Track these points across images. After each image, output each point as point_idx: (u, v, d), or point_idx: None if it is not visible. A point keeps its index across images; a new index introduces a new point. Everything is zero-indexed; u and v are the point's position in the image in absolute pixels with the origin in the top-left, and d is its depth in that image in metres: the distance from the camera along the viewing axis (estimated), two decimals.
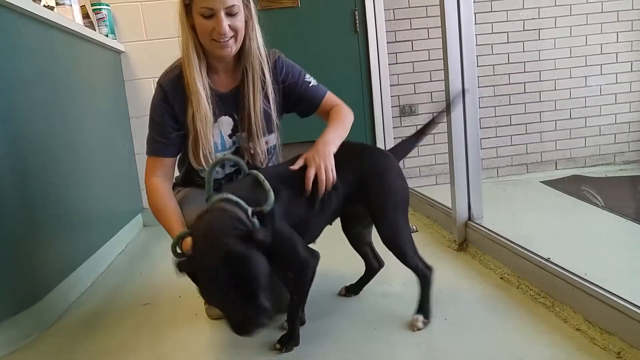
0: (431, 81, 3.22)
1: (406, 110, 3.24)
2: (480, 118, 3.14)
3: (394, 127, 3.20)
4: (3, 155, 1.52)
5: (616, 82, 3.36)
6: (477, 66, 1.98)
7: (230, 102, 1.51)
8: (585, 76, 3.34)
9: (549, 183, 3.14)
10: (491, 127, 3.33)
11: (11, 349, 1.47)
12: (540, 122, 3.36)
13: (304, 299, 1.34)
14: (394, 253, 1.40)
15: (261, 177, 1.25)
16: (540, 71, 3.29)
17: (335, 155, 1.38)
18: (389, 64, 3.14)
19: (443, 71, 1.98)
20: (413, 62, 3.22)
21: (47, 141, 1.81)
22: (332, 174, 1.34)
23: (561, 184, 3.12)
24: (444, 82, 1.99)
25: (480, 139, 3.08)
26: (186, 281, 1.88)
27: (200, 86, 1.42)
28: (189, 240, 1.20)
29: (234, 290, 1.03)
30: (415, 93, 3.24)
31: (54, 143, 1.86)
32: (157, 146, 1.51)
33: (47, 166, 1.79)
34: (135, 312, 1.70)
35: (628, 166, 3.44)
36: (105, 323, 1.64)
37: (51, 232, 1.76)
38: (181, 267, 1.10)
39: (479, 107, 3.08)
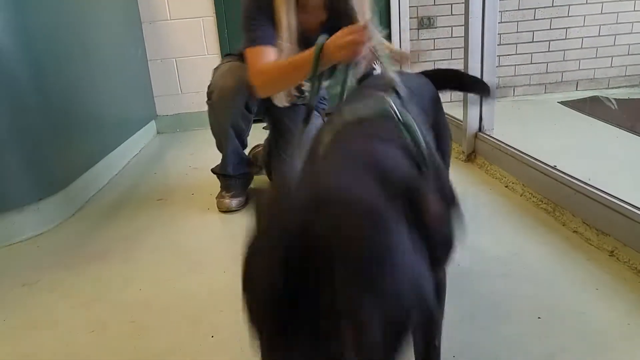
0: None
1: (424, 22, 3.10)
2: (500, 34, 3.01)
3: (410, 40, 3.09)
4: (19, 50, 1.52)
5: None
6: None
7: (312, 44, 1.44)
8: None
9: (567, 104, 3.07)
10: (511, 43, 3.20)
11: (38, 231, 1.59)
12: (566, 39, 3.21)
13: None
14: None
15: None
16: None
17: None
18: None
19: None
20: None
21: (60, 40, 1.80)
22: None
23: (580, 104, 3.04)
24: None
25: (499, 55, 2.99)
26: (199, 180, 1.99)
27: (286, 22, 1.36)
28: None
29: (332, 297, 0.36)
30: (435, 4, 3.09)
31: (66, 42, 1.86)
32: (260, 35, 1.37)
33: (62, 66, 1.79)
34: (150, 206, 1.78)
35: None
36: (122, 214, 1.73)
37: (68, 129, 1.80)
38: (261, 199, 0.46)
39: (501, 22, 2.95)
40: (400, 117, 0.58)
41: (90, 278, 1.29)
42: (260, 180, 1.89)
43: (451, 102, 3.19)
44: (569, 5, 3.13)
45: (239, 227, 1.57)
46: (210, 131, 1.67)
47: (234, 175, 1.70)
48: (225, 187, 1.71)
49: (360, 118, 0.59)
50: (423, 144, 0.57)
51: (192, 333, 1.02)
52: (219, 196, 1.70)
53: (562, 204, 1.43)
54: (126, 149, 2.42)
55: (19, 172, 1.53)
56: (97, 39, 2.19)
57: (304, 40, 1.40)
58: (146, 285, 1.24)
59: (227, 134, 1.61)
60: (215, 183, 1.75)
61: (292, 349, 0.36)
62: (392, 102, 0.60)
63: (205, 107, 1.62)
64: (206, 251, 1.42)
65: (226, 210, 1.66)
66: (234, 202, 1.67)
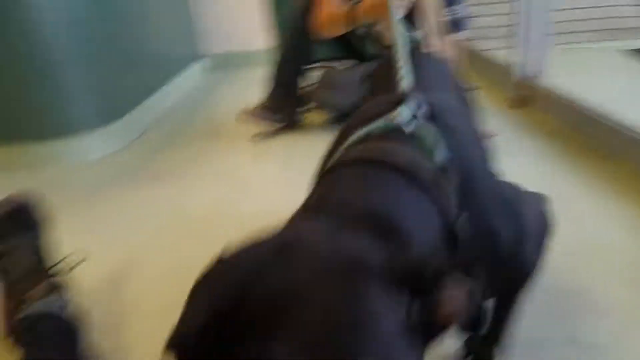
0: None
1: None
2: None
3: None
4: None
5: None
6: None
7: None
8: None
9: (628, 52, 2.91)
10: None
11: (105, 153, 1.76)
12: None
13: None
14: None
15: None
16: None
17: None
18: None
19: None
20: None
21: None
22: None
23: None
24: None
25: None
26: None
27: None
28: None
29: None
30: None
31: None
32: None
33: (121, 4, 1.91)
34: (201, 137, 1.93)
35: None
36: (176, 143, 1.89)
37: (127, 61, 1.95)
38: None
39: None
40: (412, 131, 0.46)
41: (150, 195, 1.45)
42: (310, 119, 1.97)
43: (503, 49, 3.11)
44: None
45: (283, 157, 1.70)
46: (258, 70, 1.75)
47: (274, 94, 1.80)
48: (263, 102, 1.84)
49: (369, 135, 0.48)
50: (439, 162, 0.44)
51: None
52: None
53: (609, 148, 1.43)
54: (179, 82, 2.55)
55: (88, 98, 1.70)
56: None
57: None
58: (199, 203, 1.38)
59: (284, 46, 1.75)
60: None
61: None
62: (402, 116, 0.47)
63: (255, 47, 1.73)
64: (251, 177, 1.56)
65: (256, 134, 1.82)
66: (258, 118, 1.81)
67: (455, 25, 1.68)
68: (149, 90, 2.17)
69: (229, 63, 3.10)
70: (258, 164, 1.68)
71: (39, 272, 0.80)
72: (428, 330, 0.31)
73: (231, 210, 1.32)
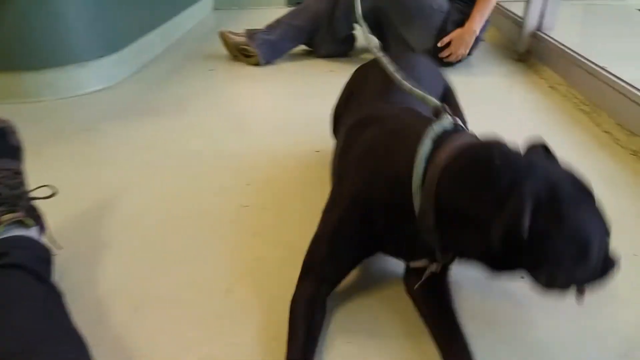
0: None
1: None
2: None
3: None
4: None
5: None
6: None
7: None
8: None
9: None
10: None
11: (99, 87, 1.74)
12: None
13: None
14: None
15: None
16: None
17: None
18: None
19: None
20: None
21: None
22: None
23: None
24: None
25: None
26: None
27: None
28: None
29: None
30: None
31: None
32: None
33: None
34: (202, 75, 1.90)
35: None
36: (175, 79, 1.86)
37: None
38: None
39: None
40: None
41: (145, 130, 1.43)
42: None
43: (518, 2, 2.99)
44: None
45: (283, 99, 1.68)
46: (267, 12, 1.72)
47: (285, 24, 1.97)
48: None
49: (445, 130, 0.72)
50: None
51: (234, 179, 1.16)
52: None
53: (602, 105, 1.41)
54: (182, 20, 2.49)
55: (86, 28, 1.66)
56: None
57: None
58: (193, 139, 1.37)
59: None
60: None
61: None
62: (444, 125, 0.72)
63: None
64: (250, 117, 1.55)
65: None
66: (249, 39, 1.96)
67: None
68: (151, 24, 2.12)
69: (237, 2, 3.03)
70: (255, 102, 1.67)
71: (17, 197, 0.77)
72: None
73: (222, 147, 1.32)
